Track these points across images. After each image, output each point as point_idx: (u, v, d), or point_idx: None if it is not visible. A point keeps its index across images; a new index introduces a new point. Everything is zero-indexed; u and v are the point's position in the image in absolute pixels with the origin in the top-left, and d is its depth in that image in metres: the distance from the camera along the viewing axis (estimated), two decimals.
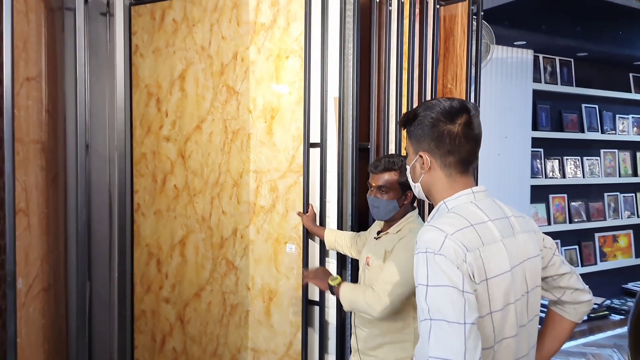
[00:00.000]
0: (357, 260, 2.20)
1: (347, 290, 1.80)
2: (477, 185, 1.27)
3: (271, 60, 2.44)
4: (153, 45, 2.73)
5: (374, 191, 1.89)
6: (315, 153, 2.38)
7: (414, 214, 1.94)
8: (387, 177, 1.87)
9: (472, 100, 2.69)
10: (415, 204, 2.01)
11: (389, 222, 1.93)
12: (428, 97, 2.55)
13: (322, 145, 2.33)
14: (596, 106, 4.78)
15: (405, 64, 2.45)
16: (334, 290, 1.85)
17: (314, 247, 2.44)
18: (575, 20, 3.56)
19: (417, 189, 1.32)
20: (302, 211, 2.40)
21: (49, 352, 2.19)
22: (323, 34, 2.30)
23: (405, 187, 1.87)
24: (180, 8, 2.64)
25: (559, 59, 4.52)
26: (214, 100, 2.60)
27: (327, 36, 2.31)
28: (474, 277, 1.09)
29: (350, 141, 2.36)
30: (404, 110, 2.46)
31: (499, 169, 4.03)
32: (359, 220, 2.44)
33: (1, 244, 1.63)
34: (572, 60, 4.60)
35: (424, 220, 2.27)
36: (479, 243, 1.13)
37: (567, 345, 4.14)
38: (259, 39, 2.46)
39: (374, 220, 2.51)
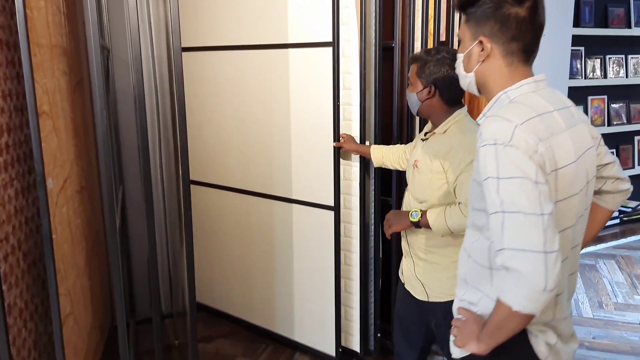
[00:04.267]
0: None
1: (433, 219, 1.76)
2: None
3: None
4: None
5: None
6: (323, 53, 2.23)
7: (462, 112, 1.79)
8: (411, 69, 1.82)
9: None
10: (463, 102, 1.86)
11: (434, 122, 1.84)
12: None
13: (334, 44, 2.17)
14: None
15: None
16: (420, 224, 1.80)
17: None
18: None
19: (467, 79, 1.25)
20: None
21: (88, 249, 2.33)
22: None
23: (426, 83, 1.77)
24: None
25: None
26: None
27: None
28: (545, 167, 1.07)
29: (373, 40, 2.27)
30: (432, 3, 2.33)
31: (534, 69, 3.81)
32: (382, 126, 2.39)
33: (29, 148, 1.68)
34: None
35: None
36: (548, 133, 1.09)
37: (597, 247, 4.16)
38: None
39: (398, 128, 2.46)
